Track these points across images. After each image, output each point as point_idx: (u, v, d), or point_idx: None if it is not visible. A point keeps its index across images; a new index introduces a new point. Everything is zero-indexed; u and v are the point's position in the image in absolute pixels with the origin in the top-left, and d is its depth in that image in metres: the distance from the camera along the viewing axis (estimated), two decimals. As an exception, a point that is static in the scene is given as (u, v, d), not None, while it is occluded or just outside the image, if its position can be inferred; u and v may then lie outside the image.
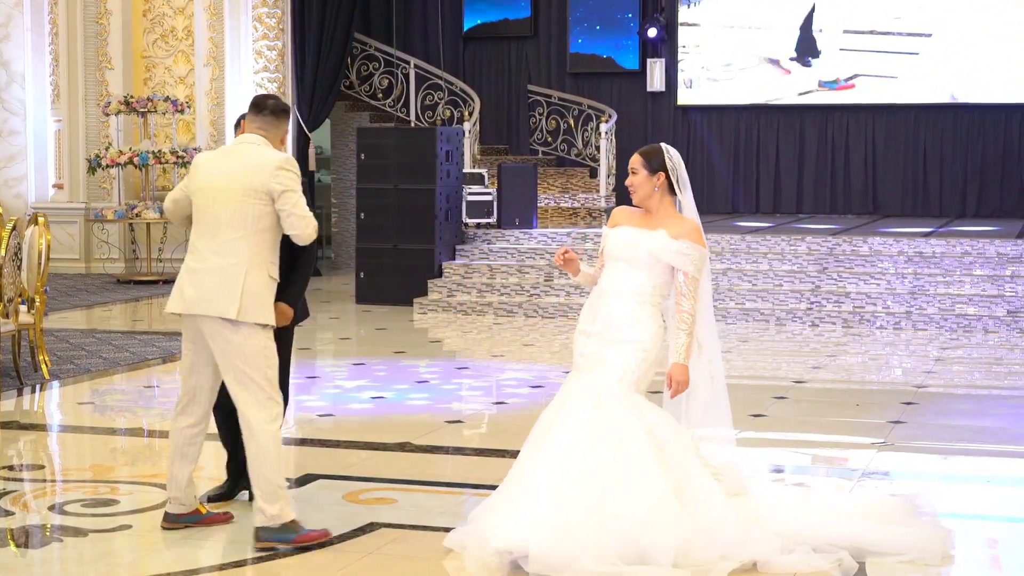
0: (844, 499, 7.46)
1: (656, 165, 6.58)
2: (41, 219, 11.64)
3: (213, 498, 7.46)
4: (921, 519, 6.99)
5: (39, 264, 11.39)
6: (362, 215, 17.12)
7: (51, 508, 7.57)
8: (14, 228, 11.37)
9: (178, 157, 18.92)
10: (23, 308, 11.41)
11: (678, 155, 6.67)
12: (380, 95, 21.22)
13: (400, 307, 16.25)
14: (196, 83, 19.95)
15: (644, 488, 6.25)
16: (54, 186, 20.18)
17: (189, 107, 19.65)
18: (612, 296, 6.56)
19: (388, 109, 21.07)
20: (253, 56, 19.78)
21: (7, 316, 11.10)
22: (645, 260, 6.51)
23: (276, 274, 6.87)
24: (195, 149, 19.28)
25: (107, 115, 19.44)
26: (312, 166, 20.05)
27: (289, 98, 19.73)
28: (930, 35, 21.29)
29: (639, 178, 6.59)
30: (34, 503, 7.74)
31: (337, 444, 9.10)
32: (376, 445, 9.06)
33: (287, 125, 7.05)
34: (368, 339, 14.48)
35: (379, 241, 16.89)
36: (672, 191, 6.62)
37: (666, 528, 6.17)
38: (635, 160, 6.62)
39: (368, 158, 17.10)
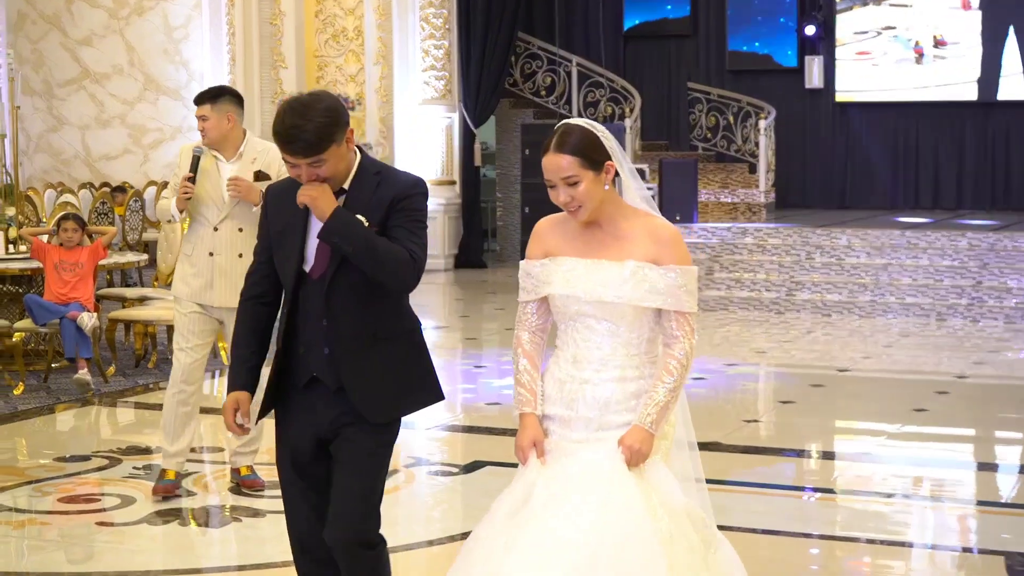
0: None
1: (600, 155, 4.35)
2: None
3: None
4: None
5: (218, 255, 11.55)
6: (526, 209, 17.13)
7: (230, 489, 7.65)
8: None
9: (349, 153, 19.14)
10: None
11: (604, 128, 4.45)
12: (543, 92, 21.18)
13: (563, 298, 16.18)
14: (366, 81, 20.10)
15: None
16: (231, 179, 20.43)
17: (359, 104, 19.84)
18: (593, 370, 4.42)
19: (551, 106, 21.03)
20: (420, 55, 19.86)
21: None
22: (631, 314, 4.37)
23: (187, 251, 7.49)
24: (365, 145, 19.44)
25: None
26: (478, 161, 20.10)
27: (455, 95, 19.82)
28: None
29: (585, 186, 4.32)
30: (214, 484, 7.83)
31: (504, 432, 9.04)
32: (541, 433, 9.01)
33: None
34: (532, 330, 14.42)
35: (542, 235, 16.81)
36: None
37: None
38: (566, 163, 4.31)
39: (532, 153, 17.11)
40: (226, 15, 20.42)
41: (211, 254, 7.35)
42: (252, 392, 4.66)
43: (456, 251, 19.80)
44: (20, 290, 11.23)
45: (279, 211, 4.67)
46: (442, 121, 19.88)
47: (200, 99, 7.37)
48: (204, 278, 7.36)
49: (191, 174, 7.33)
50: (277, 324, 4.73)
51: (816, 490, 7.94)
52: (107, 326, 11.36)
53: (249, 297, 4.76)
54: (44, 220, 13.98)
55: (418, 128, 19.86)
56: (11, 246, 11.45)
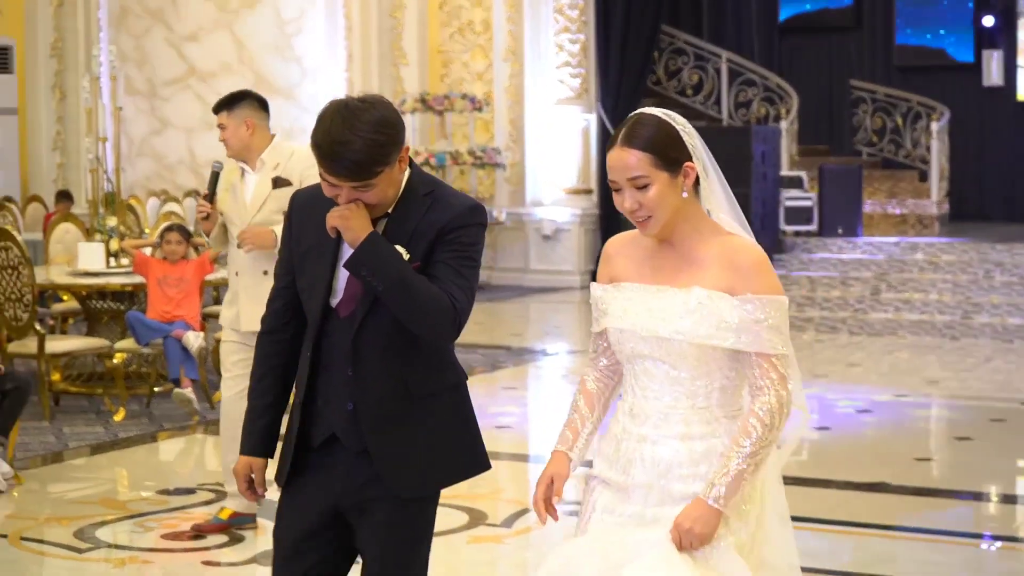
0: None
1: (679, 153, 3.82)
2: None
3: None
4: None
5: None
6: (670, 221, 17.07)
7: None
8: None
9: (476, 158, 19.20)
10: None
11: (685, 121, 3.93)
12: (689, 91, 21.14)
13: (712, 320, 16.09)
14: (494, 79, 20.16)
15: None
16: (349, 187, 20.55)
17: (487, 105, 19.89)
18: (652, 425, 3.90)
19: (698, 106, 20.97)
20: (554, 50, 19.89)
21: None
22: (694, 355, 3.84)
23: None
24: (493, 149, 19.51)
25: (402, 113, 19.79)
26: (616, 168, 20.08)
27: (592, 95, 19.81)
28: None
29: (657, 190, 3.80)
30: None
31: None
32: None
33: None
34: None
35: (688, 249, 16.74)
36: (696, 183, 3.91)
37: None
38: (635, 160, 3.79)
39: (677, 159, 17.05)
40: (342, 7, 20.61)
41: (236, 274, 7.43)
42: (269, 455, 4.23)
43: (593, 267, 19.76)
44: (121, 307, 11.42)
45: (305, 226, 4.17)
46: (578, 123, 19.88)
47: (216, 107, 7.44)
48: (236, 303, 7.43)
49: (207, 192, 7.44)
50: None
51: (996, 538, 7.81)
52: (214, 347, 11.50)
53: (267, 330, 4.28)
54: (147, 231, 14.23)
55: (552, 131, 19.87)
56: (112, 259, 11.63)
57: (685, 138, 3.80)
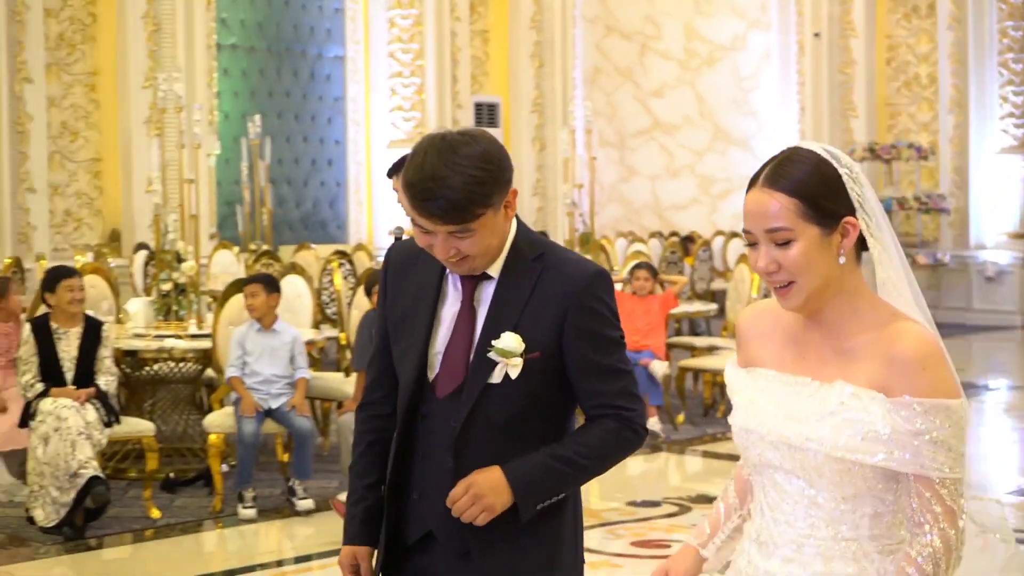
0: None
1: (837, 204, 2.69)
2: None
3: None
4: None
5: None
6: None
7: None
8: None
9: (921, 203, 19.00)
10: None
11: (852, 162, 2.75)
12: None
13: None
14: (940, 129, 19.90)
15: None
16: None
17: (933, 154, 19.67)
18: (782, 558, 2.77)
19: None
20: (998, 102, 19.46)
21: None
22: (835, 470, 2.69)
23: None
24: (938, 195, 19.22)
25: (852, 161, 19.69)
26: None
27: (1035, 145, 19.31)
28: None
29: (802, 249, 2.68)
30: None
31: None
32: None
33: None
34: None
35: None
36: (861, 248, 2.76)
37: None
38: (777, 207, 2.69)
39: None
40: (796, 64, 20.77)
41: None
42: (372, 544, 3.38)
43: (1035, 308, 19.23)
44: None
45: (401, 288, 3.34)
46: (1020, 171, 19.35)
47: (390, 171, 6.59)
48: None
49: None
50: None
51: None
52: (677, 374, 11.75)
53: (364, 403, 3.47)
54: (616, 268, 14.60)
55: (994, 178, 19.43)
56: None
57: (850, 185, 2.69)
